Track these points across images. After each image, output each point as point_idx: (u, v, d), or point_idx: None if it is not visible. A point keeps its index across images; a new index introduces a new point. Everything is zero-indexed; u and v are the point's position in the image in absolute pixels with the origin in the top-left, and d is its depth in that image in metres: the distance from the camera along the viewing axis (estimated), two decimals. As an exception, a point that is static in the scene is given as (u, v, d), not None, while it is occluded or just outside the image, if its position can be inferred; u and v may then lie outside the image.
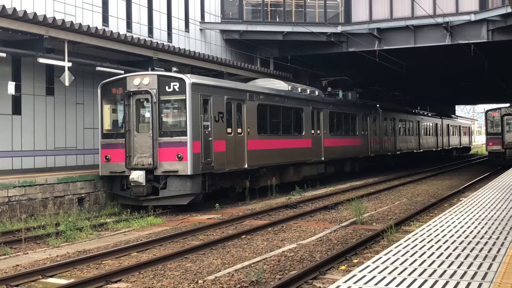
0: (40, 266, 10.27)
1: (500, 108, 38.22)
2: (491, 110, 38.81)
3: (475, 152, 76.18)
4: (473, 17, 27.07)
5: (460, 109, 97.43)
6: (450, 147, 55.84)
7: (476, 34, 27.48)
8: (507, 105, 40.67)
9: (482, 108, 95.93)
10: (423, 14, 27.28)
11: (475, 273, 5.20)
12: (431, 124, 47.81)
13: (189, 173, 16.73)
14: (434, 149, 48.64)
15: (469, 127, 69.32)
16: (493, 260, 5.73)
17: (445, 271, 5.30)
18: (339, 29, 29.07)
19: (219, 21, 30.04)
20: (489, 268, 5.40)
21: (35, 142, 19.75)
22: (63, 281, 9.25)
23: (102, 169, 17.73)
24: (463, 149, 64.36)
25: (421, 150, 44.29)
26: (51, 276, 9.65)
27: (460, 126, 61.39)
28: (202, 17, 28.79)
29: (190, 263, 10.48)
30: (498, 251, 6.14)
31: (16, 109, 19.17)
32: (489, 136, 37.80)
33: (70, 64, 18.41)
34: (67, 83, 18.29)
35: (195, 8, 28.19)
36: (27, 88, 19.37)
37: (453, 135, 56.93)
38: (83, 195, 17.14)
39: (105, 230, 14.50)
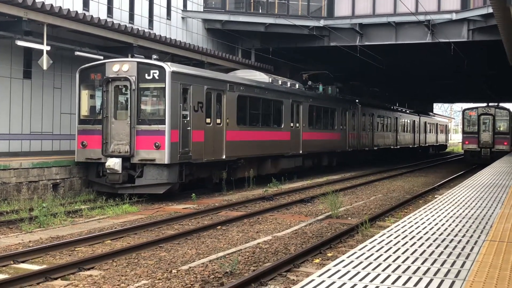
0: (12, 251, 10.14)
1: (477, 108, 38.62)
2: (468, 109, 39.21)
3: (451, 150, 77.02)
4: (454, 16, 27.28)
5: (438, 107, 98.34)
6: (427, 145, 56.35)
7: (457, 33, 27.70)
8: (484, 104, 41.10)
9: (459, 106, 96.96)
10: (405, 11, 27.41)
11: (449, 271, 5.23)
12: (408, 121, 48.17)
13: (166, 162, 16.64)
14: (411, 146, 49.05)
15: (446, 125, 69.98)
16: (467, 258, 5.77)
17: (418, 267, 5.33)
18: (322, 23, 29.09)
19: (202, 10, 29.86)
20: (462, 266, 5.43)
21: (11, 126, 19.48)
22: (35, 267, 9.15)
23: (78, 155, 17.55)
24: (440, 146, 65.00)
25: (398, 147, 44.62)
26: (23, 262, 9.54)
27: (437, 124, 61.95)
28: (185, 5, 28.60)
29: (164, 252, 10.43)
30: (471, 249, 6.19)
31: (-8, 91, 18.88)
32: (466, 135, 38.20)
33: (48, 48, 18.17)
34: (45, 67, 18.05)
35: (177, -4, 27.97)
36: (3, 71, 19.08)
37: (430, 132, 57.44)
38: (58, 181, 16.96)
39: (79, 216, 14.37)
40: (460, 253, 5.97)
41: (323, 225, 13.58)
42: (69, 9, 18.51)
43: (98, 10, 22.51)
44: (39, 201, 15.32)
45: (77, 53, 19.71)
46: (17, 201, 15.24)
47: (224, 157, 19.55)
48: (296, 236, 12.03)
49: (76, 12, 18.82)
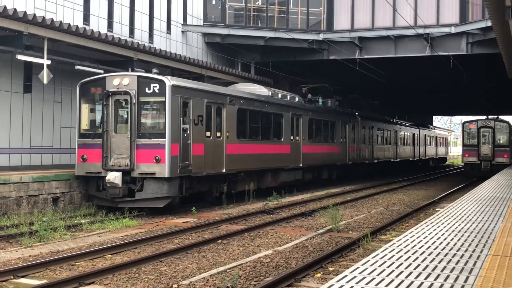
0: (12, 265, 10.10)
1: (477, 120, 38.65)
2: (468, 122, 39.24)
3: (451, 163, 76.99)
4: (453, 30, 27.37)
5: (437, 120, 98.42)
6: (427, 157, 56.35)
7: (456, 46, 27.78)
8: (484, 117, 41.12)
9: (459, 119, 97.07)
10: (404, 25, 27.51)
11: (452, 286, 5.20)
12: (408, 134, 48.21)
13: (166, 176, 16.62)
14: (411, 159, 49.04)
15: (445, 137, 70.03)
16: (470, 273, 5.74)
17: (422, 283, 5.30)
18: (321, 36, 29.19)
19: (202, 24, 29.97)
20: (465, 281, 5.40)
21: (11, 140, 19.47)
22: (35, 282, 9.10)
23: (78, 169, 17.53)
24: (439, 159, 65.00)
25: (398, 159, 44.61)
26: (23, 276, 9.49)
27: (437, 136, 61.99)
28: (185, 19, 28.70)
29: (165, 266, 10.38)
30: (474, 264, 6.16)
31: (-8, 105, 18.89)
32: (465, 148, 38.19)
33: (49, 62, 18.21)
34: (45, 81, 18.07)
35: (177, 10, 28.10)
36: (4, 85, 19.10)
37: (429, 145, 57.46)
38: (58, 195, 16.92)
39: (80, 231, 14.33)
40: (463, 268, 5.94)
41: (324, 239, 13.53)
42: (69, 24, 18.57)
43: (98, 25, 22.59)
44: (39, 215, 15.27)
45: (77, 67, 19.75)
46: (17, 215, 15.20)
47: (224, 170, 19.53)
48: (297, 250, 11.99)
49: (77, 26, 18.88)
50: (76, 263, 10.59)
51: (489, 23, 23.21)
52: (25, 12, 16.94)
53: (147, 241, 12.75)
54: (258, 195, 21.75)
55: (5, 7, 16.25)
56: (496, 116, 43.21)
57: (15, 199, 15.50)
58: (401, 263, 6.12)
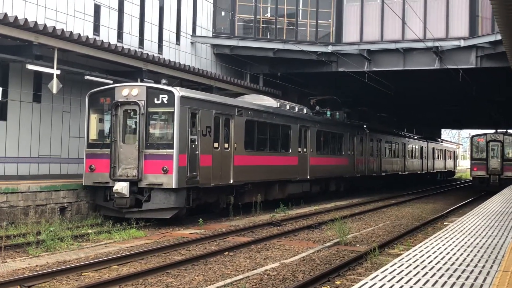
0: (19, 275, 10.09)
1: (485, 134, 38.48)
2: (476, 135, 39.07)
3: (459, 177, 76.62)
4: (462, 43, 27.34)
5: (445, 133, 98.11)
6: (435, 171, 56.12)
7: (465, 60, 27.73)
8: (493, 131, 40.94)
9: (467, 133, 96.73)
10: (413, 38, 27.50)
11: (462, 303, 5.14)
12: (416, 147, 48.05)
13: (174, 187, 16.60)
14: (419, 172, 48.85)
15: (454, 151, 69.78)
16: (479, 289, 5.68)
17: (431, 299, 5.24)
18: (330, 48, 29.21)
19: (211, 35, 30.07)
20: (475, 297, 5.34)
21: (19, 149, 19.54)
22: (41, 293, 9.08)
23: (86, 179, 17.54)
24: (448, 173, 64.71)
25: (406, 172, 44.44)
26: (29, 286, 9.48)
27: (445, 150, 61.77)
28: (194, 30, 28.81)
29: (171, 278, 10.34)
30: (484, 280, 6.09)
31: (2, 115, 18.99)
32: (474, 161, 38.02)
33: (58, 72, 18.28)
34: (54, 91, 18.14)
35: (187, 21, 28.21)
36: (14, 94, 19.19)
37: (438, 158, 57.24)
38: (65, 205, 16.93)
39: (86, 241, 14.31)
40: (472, 284, 5.87)
41: (331, 252, 13.46)
42: (79, 34, 18.67)
43: (108, 35, 22.70)
44: (46, 224, 15.27)
45: (87, 77, 19.82)
46: (24, 225, 15.20)
47: (231, 181, 19.49)
48: (304, 263, 11.92)
49: (87, 36, 18.96)
50: (83, 274, 10.57)
51: (498, 37, 23.18)
52: (35, 22, 17.04)
53: (153, 252, 12.71)
54: (265, 207, 21.69)
55: (16, 17, 16.35)
56: (505, 130, 43.03)
57: (22, 208, 15.52)
58: (410, 278, 6.06)
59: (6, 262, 11.50)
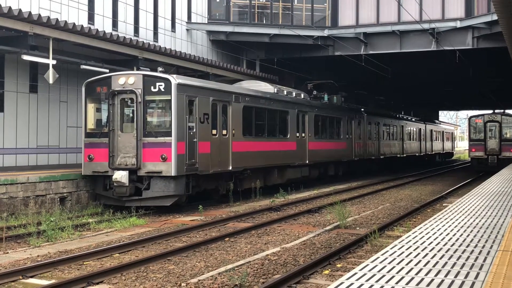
0: (20, 266, 10.12)
1: (483, 115, 38.48)
2: (474, 116, 39.08)
3: (458, 158, 76.76)
4: (458, 24, 27.26)
5: (443, 115, 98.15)
6: (433, 152, 56.19)
7: (462, 40, 27.67)
8: (490, 111, 40.94)
9: (465, 114, 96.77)
10: (410, 20, 27.42)
11: (463, 283, 5.17)
12: (414, 129, 48.07)
13: (173, 174, 16.62)
14: (417, 154, 48.91)
15: (452, 132, 69.81)
16: (480, 269, 5.71)
17: (432, 279, 5.27)
18: (326, 32, 29.11)
19: (206, 22, 29.94)
20: (476, 277, 5.37)
21: (17, 140, 19.51)
22: (44, 282, 9.11)
23: (85, 169, 17.54)
24: (446, 154, 64.81)
25: (405, 155, 44.50)
26: (31, 277, 9.50)
27: (443, 131, 61.81)
28: (189, 17, 28.69)
29: (173, 265, 10.38)
30: (484, 260, 6.12)
31: (-1, 106, 18.94)
32: (472, 142, 38.05)
33: (54, 62, 18.22)
34: (51, 81, 18.10)
35: (182, 8, 28.08)
36: (10, 85, 19.14)
37: (436, 140, 57.29)
38: (65, 195, 16.95)
39: (87, 230, 14.35)
40: (473, 264, 5.91)
41: (331, 235, 13.51)
42: (74, 23, 18.58)
43: (103, 24, 22.60)
44: (46, 215, 15.29)
45: (82, 66, 19.77)
46: (24, 216, 15.23)
47: (230, 168, 19.52)
48: (305, 247, 11.96)
49: (82, 26, 18.88)
50: (84, 263, 10.60)
51: (494, 17, 23.11)
52: (30, 12, 16.96)
53: (154, 239, 12.75)
54: (264, 192, 21.73)
55: (10, 7, 16.27)
56: (502, 110, 43.03)
57: (22, 199, 15.54)
58: (411, 260, 6.09)
59: (8, 253, 11.53)
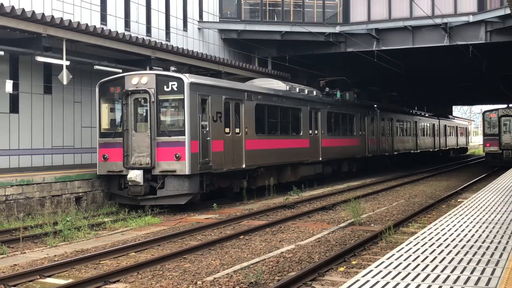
0: (38, 265, 10.22)
1: (497, 109, 38.20)
2: (488, 111, 38.80)
3: (472, 153, 76.30)
4: (471, 18, 27.07)
5: (457, 110, 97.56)
6: (447, 148, 55.90)
7: (475, 35, 27.49)
8: (505, 106, 40.64)
9: (479, 108, 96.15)
10: (422, 15, 27.28)
11: (479, 279, 5.17)
12: (428, 125, 47.85)
13: (187, 173, 16.68)
14: (431, 150, 48.69)
15: (466, 127, 69.41)
16: (496, 265, 5.70)
17: (448, 276, 5.28)
18: (338, 29, 29.05)
19: (217, 20, 29.99)
20: (492, 273, 5.37)
21: (33, 141, 19.68)
22: (61, 281, 9.21)
23: (100, 168, 17.66)
24: (460, 149, 64.46)
25: (418, 151, 44.31)
26: (49, 276, 9.60)
27: (457, 126, 61.46)
28: (201, 16, 28.75)
29: (188, 263, 10.44)
30: (500, 256, 6.11)
31: (14, 107, 19.11)
32: (486, 137, 37.81)
33: (68, 63, 18.36)
34: (65, 82, 18.23)
35: (193, 7, 28.15)
36: (24, 87, 19.30)
37: (450, 135, 56.99)
38: (80, 194, 17.08)
39: (103, 229, 14.45)
40: (489, 260, 5.90)
41: (346, 232, 13.51)
42: (87, 24, 18.70)
43: (115, 24, 22.72)
44: (62, 215, 15.43)
45: (96, 67, 19.90)
46: (41, 216, 15.38)
47: (244, 166, 19.56)
48: (319, 244, 11.98)
49: (94, 26, 19.00)
50: (101, 262, 10.69)
51: (508, 11, 22.97)
52: (43, 14, 17.09)
53: (170, 238, 12.82)
54: (278, 190, 21.76)
55: (23, 9, 16.41)
56: (517, 105, 42.66)
57: (38, 199, 15.68)
58: (426, 256, 6.10)
59: (25, 253, 11.65)
